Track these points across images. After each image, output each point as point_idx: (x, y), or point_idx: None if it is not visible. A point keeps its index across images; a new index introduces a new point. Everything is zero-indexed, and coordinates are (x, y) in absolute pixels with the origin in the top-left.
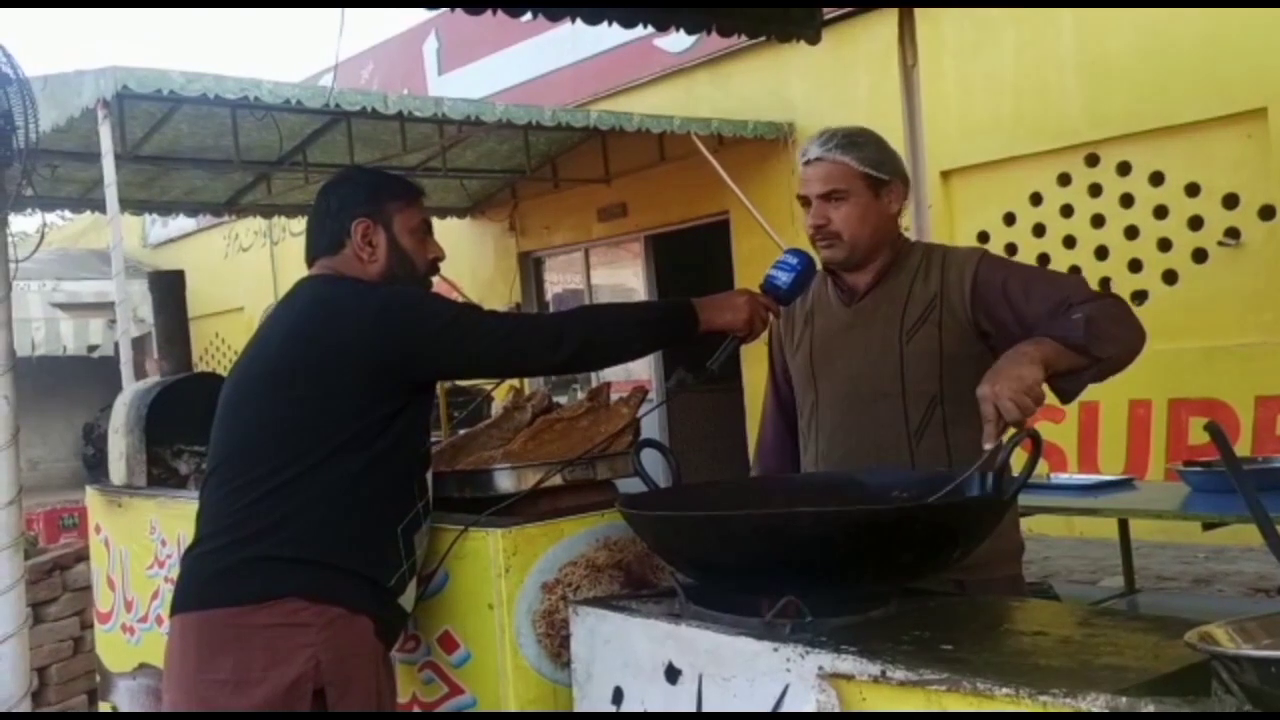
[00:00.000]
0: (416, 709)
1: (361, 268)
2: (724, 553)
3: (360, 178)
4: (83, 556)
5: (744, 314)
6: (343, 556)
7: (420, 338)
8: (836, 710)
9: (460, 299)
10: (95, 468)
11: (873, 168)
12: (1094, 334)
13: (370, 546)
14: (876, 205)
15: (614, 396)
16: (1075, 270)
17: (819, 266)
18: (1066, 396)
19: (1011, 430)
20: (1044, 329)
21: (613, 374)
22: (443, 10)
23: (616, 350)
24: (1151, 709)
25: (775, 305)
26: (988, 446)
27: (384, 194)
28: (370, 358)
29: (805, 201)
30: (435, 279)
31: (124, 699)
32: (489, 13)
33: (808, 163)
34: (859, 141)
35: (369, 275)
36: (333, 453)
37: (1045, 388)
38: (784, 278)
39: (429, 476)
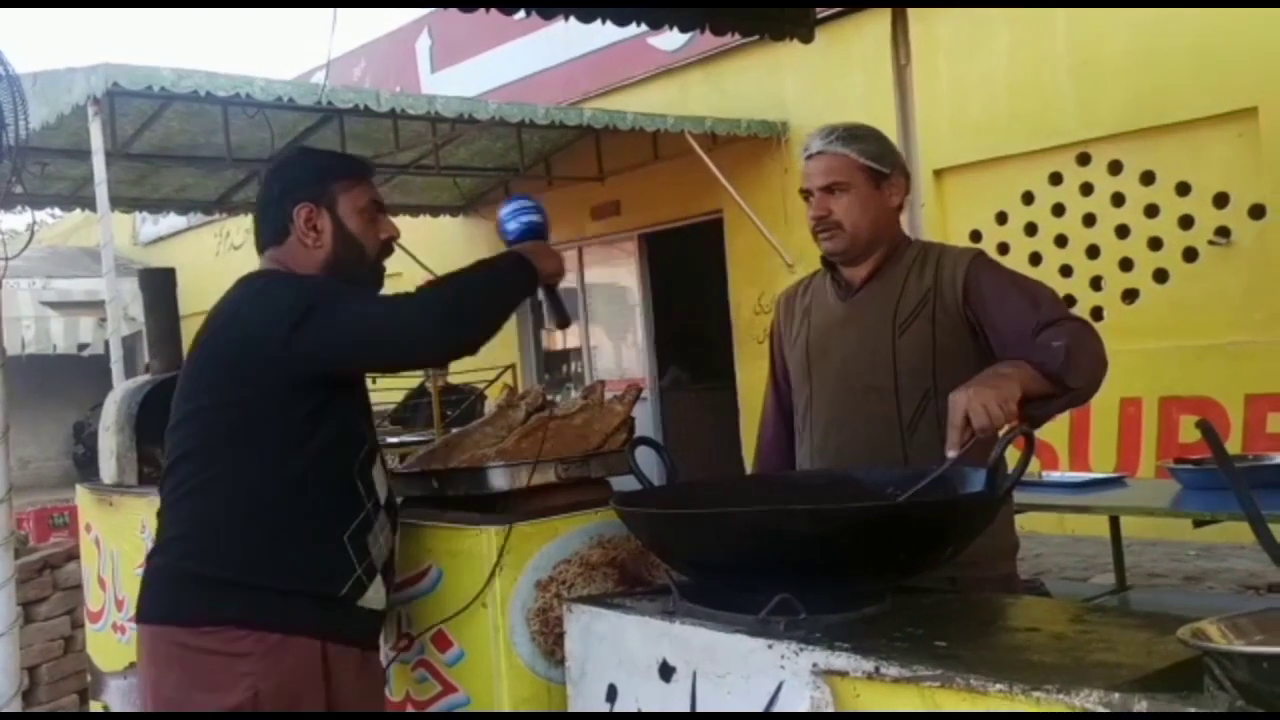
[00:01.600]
0: (410, 708)
1: (307, 256)
2: (718, 550)
3: (303, 159)
4: (73, 555)
5: (557, 260)
6: (281, 576)
7: (285, 334)
8: (831, 707)
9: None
10: (86, 466)
11: (874, 160)
12: (1070, 365)
13: (313, 561)
14: (877, 197)
15: (609, 395)
16: (1066, 270)
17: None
18: (1034, 423)
19: (971, 440)
20: (1023, 351)
21: (611, 371)
22: (436, 8)
23: (495, 320)
24: (1145, 705)
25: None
26: (951, 454)
27: (328, 175)
28: (263, 360)
29: (807, 195)
30: (430, 276)
31: (115, 698)
32: (482, 10)
33: (809, 156)
34: (860, 135)
35: (314, 263)
36: (260, 461)
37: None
38: (538, 218)
39: (376, 473)
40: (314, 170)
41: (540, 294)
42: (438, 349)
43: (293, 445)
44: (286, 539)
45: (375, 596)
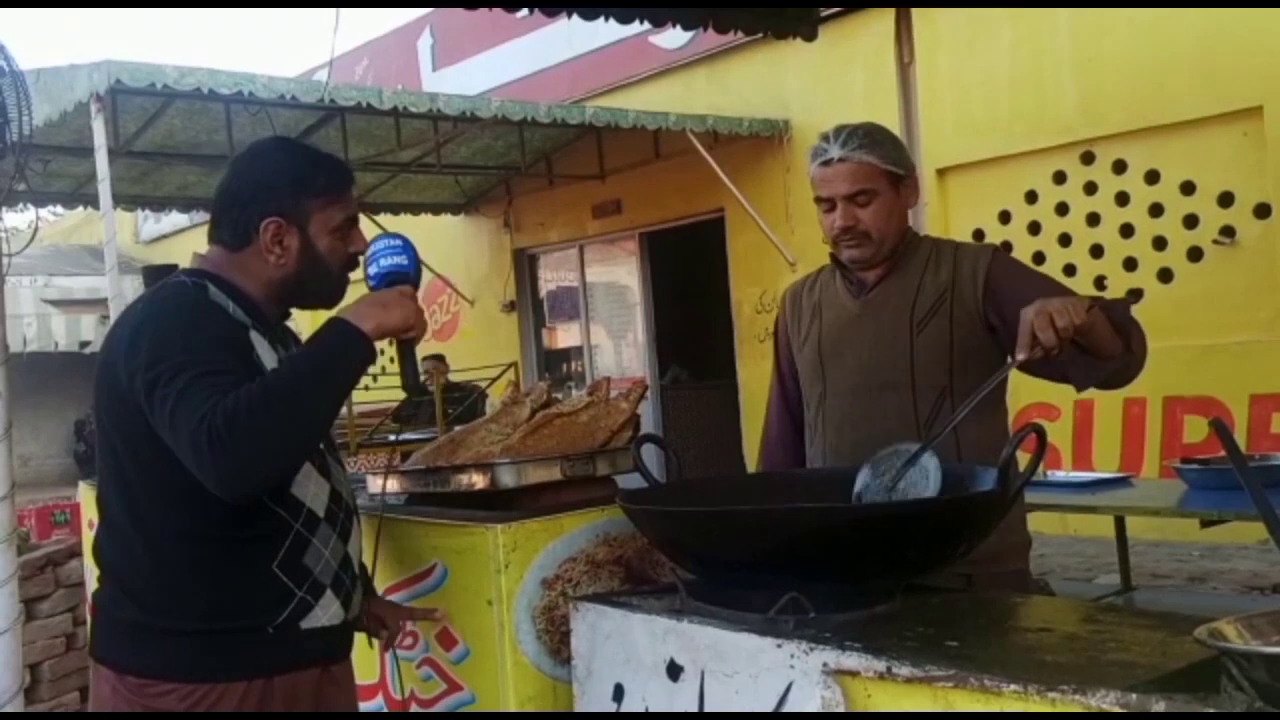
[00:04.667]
0: (415, 706)
1: (264, 270)
2: (727, 548)
3: (279, 161)
4: (75, 553)
5: (410, 312)
6: (206, 618)
7: (130, 384)
8: (842, 706)
9: (455, 296)
10: (86, 464)
11: (894, 165)
12: (1132, 326)
13: (239, 598)
14: (898, 201)
15: (614, 392)
16: (1070, 269)
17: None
18: (1082, 382)
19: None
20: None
21: (611, 369)
22: (440, 7)
23: (317, 419)
24: (1162, 706)
25: (413, 294)
26: (1021, 356)
27: (304, 189)
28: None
29: (826, 203)
30: (429, 275)
31: None
32: (484, 9)
33: (828, 162)
34: (879, 139)
35: (270, 279)
36: (155, 497)
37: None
38: (404, 259)
39: (303, 487)
40: (290, 180)
41: (406, 352)
42: (233, 489)
43: (183, 480)
44: (206, 578)
45: (325, 613)
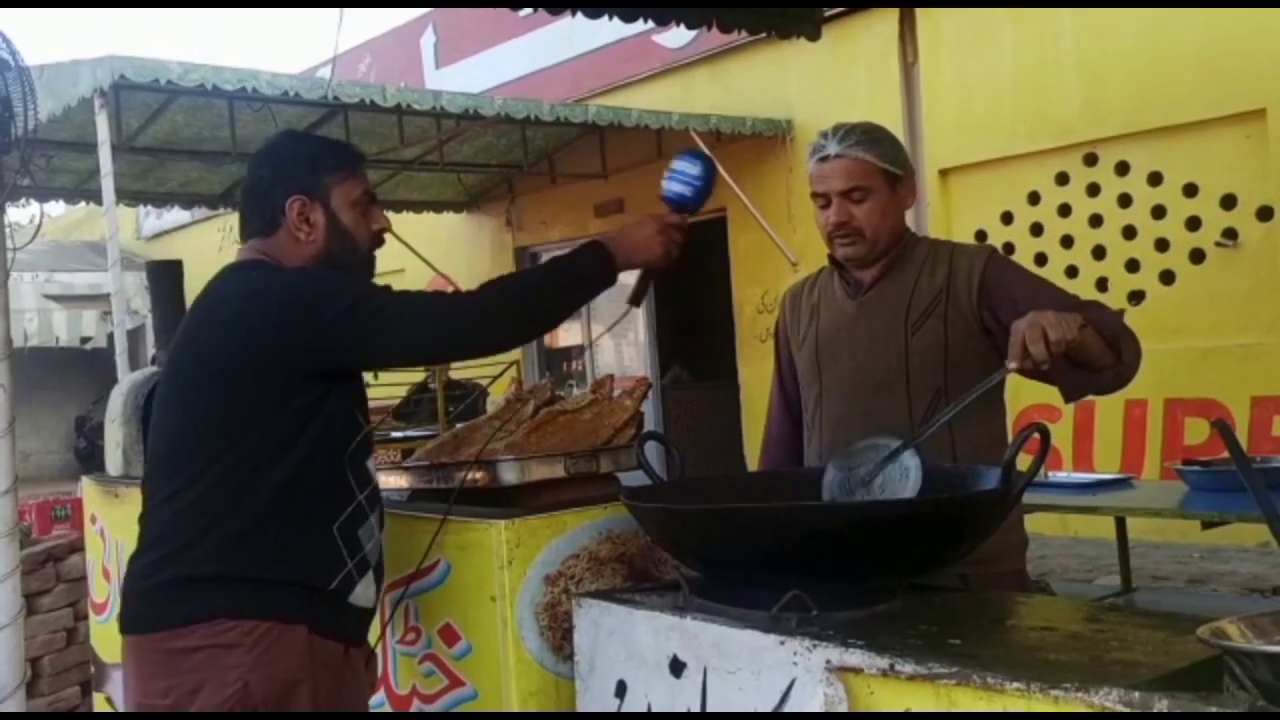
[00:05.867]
0: (417, 701)
1: (298, 249)
2: (730, 546)
3: (294, 148)
4: (76, 548)
5: (659, 248)
6: (269, 567)
7: (316, 327)
8: (845, 703)
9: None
10: (86, 460)
11: (891, 164)
12: (1123, 336)
13: (300, 552)
14: (894, 201)
15: (616, 390)
16: (1072, 271)
17: (719, 170)
18: (1071, 395)
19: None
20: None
21: (612, 369)
22: (443, 6)
23: (547, 315)
24: (1165, 705)
25: (685, 224)
26: (1012, 367)
27: (321, 166)
28: (271, 351)
29: (822, 198)
30: (433, 275)
31: (119, 690)
32: (487, 7)
33: (825, 159)
34: (877, 138)
35: (304, 256)
36: (248, 454)
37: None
38: (689, 190)
39: (370, 466)
40: (306, 161)
41: (643, 278)
42: (490, 349)
43: (285, 438)
44: (277, 530)
45: (364, 594)
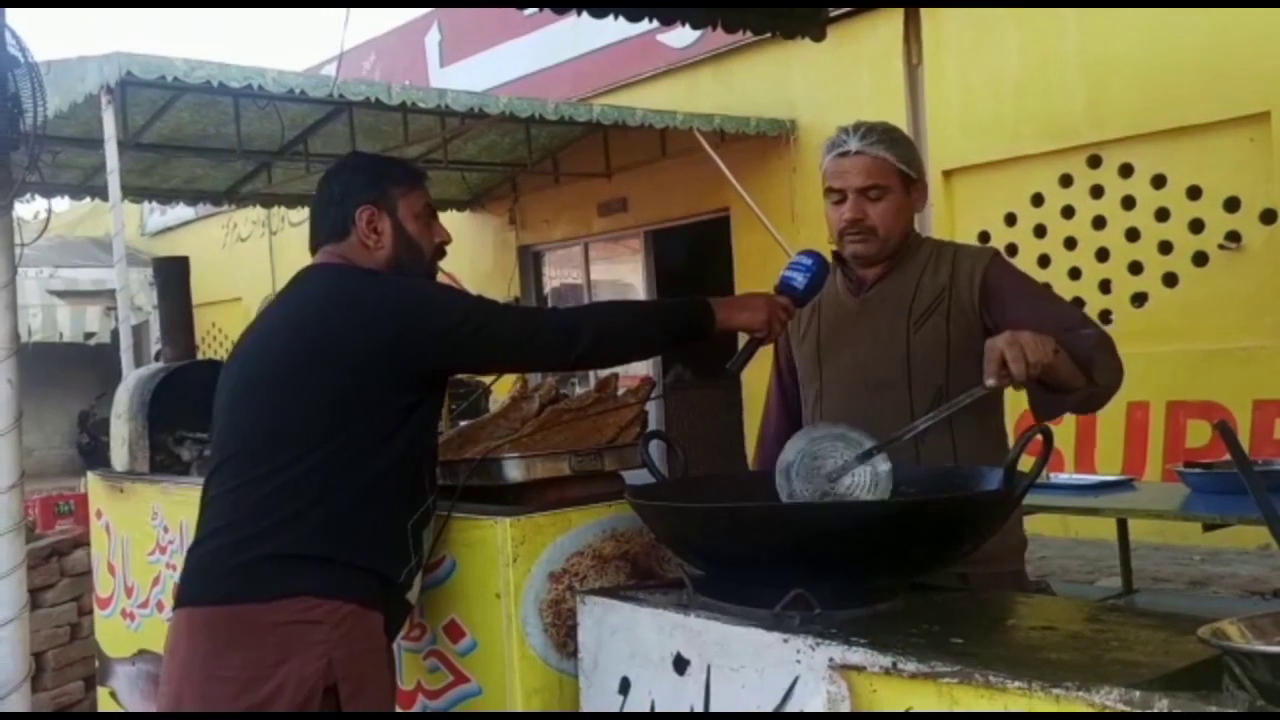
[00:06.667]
0: (421, 697)
1: (368, 255)
2: (734, 544)
3: (363, 163)
4: (80, 543)
5: (762, 315)
6: (355, 552)
7: (432, 333)
8: (847, 701)
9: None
10: (90, 455)
11: (908, 166)
12: (1097, 359)
13: (382, 542)
14: (907, 203)
15: (621, 389)
16: (1075, 273)
17: (829, 261)
18: (1045, 415)
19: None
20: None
21: (610, 369)
22: (448, 6)
23: (630, 348)
24: (1165, 704)
25: (792, 306)
26: (990, 384)
27: (388, 179)
28: (384, 352)
29: (837, 194)
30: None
31: (123, 685)
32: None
33: (844, 154)
34: (897, 139)
35: (376, 263)
36: (346, 447)
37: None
38: (800, 279)
39: (436, 470)
40: (374, 174)
41: (749, 344)
42: (570, 366)
43: (382, 435)
44: (365, 520)
45: (414, 592)
